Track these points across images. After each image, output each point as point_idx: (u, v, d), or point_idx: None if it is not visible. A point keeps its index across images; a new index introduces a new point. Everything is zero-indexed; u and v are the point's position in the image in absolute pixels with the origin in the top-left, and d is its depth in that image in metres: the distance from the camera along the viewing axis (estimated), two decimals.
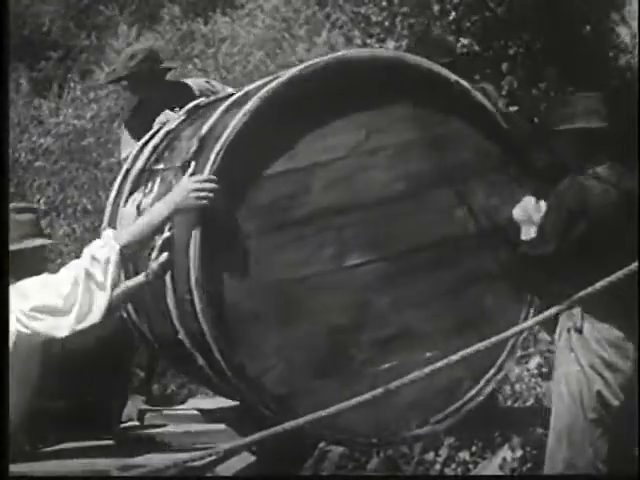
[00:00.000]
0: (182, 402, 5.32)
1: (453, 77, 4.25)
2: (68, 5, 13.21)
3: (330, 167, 4.04)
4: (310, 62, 4.05)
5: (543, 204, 4.23)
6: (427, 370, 3.94)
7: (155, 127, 4.99)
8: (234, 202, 3.92)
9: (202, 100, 4.88)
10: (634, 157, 4.52)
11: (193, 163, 3.97)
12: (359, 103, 4.07)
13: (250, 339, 3.94)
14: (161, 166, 4.48)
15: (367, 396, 3.81)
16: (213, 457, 3.86)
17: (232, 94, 4.64)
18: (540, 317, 3.84)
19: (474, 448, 5.50)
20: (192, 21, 12.37)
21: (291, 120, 3.98)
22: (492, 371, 4.29)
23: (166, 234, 3.96)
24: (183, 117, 4.76)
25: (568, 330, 4.22)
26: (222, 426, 4.26)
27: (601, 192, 4.15)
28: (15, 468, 3.74)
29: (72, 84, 11.77)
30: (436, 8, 9.06)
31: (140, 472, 3.72)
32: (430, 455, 5.70)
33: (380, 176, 4.11)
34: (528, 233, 4.19)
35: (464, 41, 8.99)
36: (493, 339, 4.01)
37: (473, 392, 4.25)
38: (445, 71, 4.26)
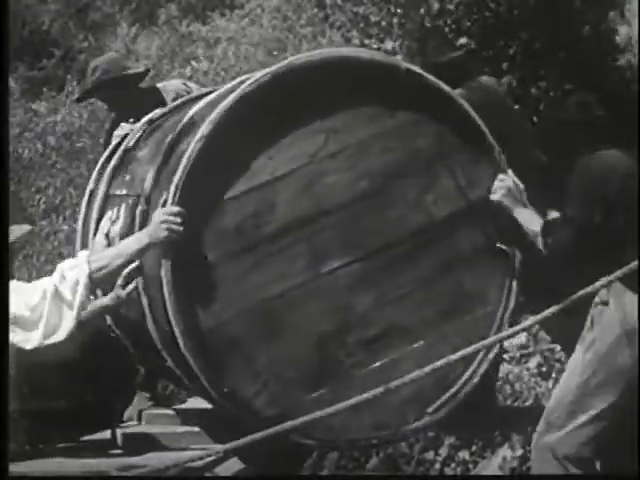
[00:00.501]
0: (183, 402, 5.32)
1: (403, 65, 4.21)
2: (67, 5, 13.21)
3: (292, 178, 4.01)
4: (257, 76, 4.00)
5: (520, 184, 4.21)
6: (427, 369, 3.95)
7: (114, 141, 4.97)
8: (200, 230, 3.90)
9: (155, 113, 4.84)
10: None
11: (165, 195, 3.91)
12: (314, 108, 4.04)
13: (237, 364, 3.93)
14: (124, 192, 4.48)
15: (367, 395, 3.82)
16: (213, 457, 3.86)
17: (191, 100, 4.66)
18: (540, 316, 3.84)
19: (474, 447, 5.50)
20: (191, 21, 12.36)
21: (247, 138, 3.95)
22: (483, 351, 4.28)
23: (134, 264, 3.96)
24: (139, 133, 4.74)
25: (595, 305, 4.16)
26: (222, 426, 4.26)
27: (624, 174, 4.11)
28: (15, 468, 3.74)
29: (72, 84, 11.77)
30: (436, 7, 9.06)
31: (140, 472, 3.72)
32: (430, 454, 5.69)
33: (342, 178, 4.07)
34: (530, 221, 4.16)
35: (463, 40, 9.00)
36: (492, 338, 4.03)
37: (467, 375, 4.23)
38: (392, 60, 4.26)
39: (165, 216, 3.81)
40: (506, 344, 6.88)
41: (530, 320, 4.03)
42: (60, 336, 3.80)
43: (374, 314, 4.11)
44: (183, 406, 4.97)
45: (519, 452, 5.43)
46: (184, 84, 5.67)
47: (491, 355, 4.27)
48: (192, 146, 3.87)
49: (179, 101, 4.95)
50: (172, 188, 3.85)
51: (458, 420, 4.51)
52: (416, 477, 5.57)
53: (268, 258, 3.97)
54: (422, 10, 9.14)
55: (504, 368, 6.75)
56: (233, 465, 3.99)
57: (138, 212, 4.08)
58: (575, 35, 9.16)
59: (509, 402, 6.37)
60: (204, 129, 3.88)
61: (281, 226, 3.99)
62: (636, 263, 3.62)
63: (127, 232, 4.20)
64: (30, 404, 4.35)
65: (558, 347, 6.54)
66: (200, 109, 4.19)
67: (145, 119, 4.84)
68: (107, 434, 4.46)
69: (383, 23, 9.26)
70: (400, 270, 4.15)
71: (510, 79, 8.84)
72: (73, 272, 3.84)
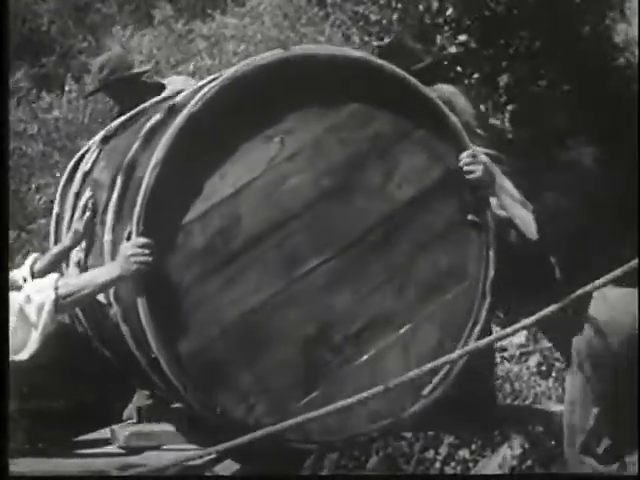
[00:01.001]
0: None
1: (346, 53, 4.19)
2: (66, 4, 13.21)
3: (253, 187, 3.99)
4: (203, 92, 3.95)
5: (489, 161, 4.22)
6: (428, 367, 3.96)
7: (76, 158, 4.95)
8: (170, 255, 3.89)
9: (109, 129, 4.82)
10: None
11: (129, 227, 3.89)
12: (265, 114, 4.02)
13: (226, 382, 3.93)
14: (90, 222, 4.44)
15: (365, 394, 3.82)
16: (212, 456, 3.87)
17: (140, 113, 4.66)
18: (539, 315, 3.84)
19: (474, 446, 5.49)
20: (190, 19, 12.35)
21: (202, 155, 3.93)
22: (469, 324, 4.28)
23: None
24: (95, 154, 4.72)
25: None
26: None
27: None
28: (15, 468, 3.74)
29: (70, 84, 11.76)
30: (435, 6, 9.06)
31: (139, 471, 3.73)
32: (430, 453, 5.69)
33: (304, 179, 4.06)
34: (513, 195, 4.18)
35: (463, 38, 9.00)
36: (492, 337, 4.03)
37: (456, 354, 4.24)
38: (338, 50, 4.21)
39: (132, 249, 3.78)
40: (505, 343, 6.89)
41: (530, 319, 4.03)
42: (23, 356, 3.80)
43: (355, 308, 4.11)
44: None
45: (519, 451, 5.43)
46: (189, 80, 5.70)
47: (477, 329, 4.26)
48: (148, 174, 3.83)
49: (130, 114, 4.87)
50: (134, 219, 3.82)
51: (458, 419, 4.51)
52: (416, 476, 5.57)
53: (242, 271, 3.96)
54: (421, 8, 9.14)
55: (504, 367, 6.75)
56: (232, 464, 4.00)
57: (105, 242, 4.06)
58: (575, 34, 9.16)
59: (509, 401, 6.36)
60: (158, 154, 3.84)
61: (250, 237, 3.97)
62: (636, 262, 3.62)
63: (98, 261, 4.19)
64: (29, 404, 4.35)
65: None
66: (151, 128, 4.15)
67: (99, 136, 4.82)
68: (106, 433, 4.47)
69: (384, 21, 9.26)
70: (374, 260, 4.15)
71: (509, 78, 8.84)
72: (39, 295, 3.82)
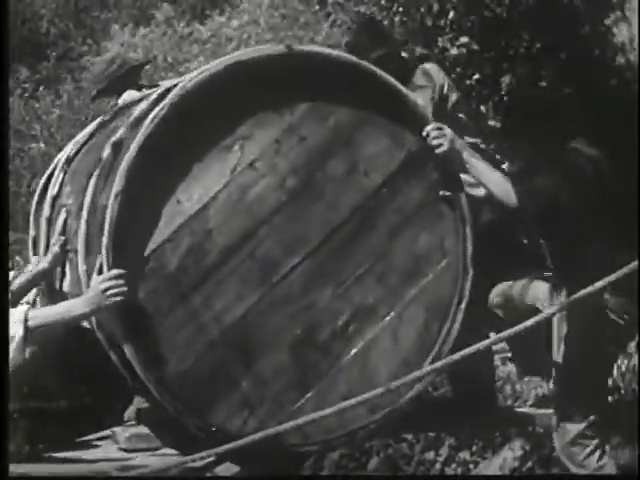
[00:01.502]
0: None
1: (295, 48, 4.14)
2: (66, 6, 13.22)
3: (219, 200, 3.96)
4: (153, 113, 3.91)
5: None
6: (428, 369, 3.95)
7: (43, 180, 4.90)
8: (145, 281, 3.87)
9: (71, 149, 4.79)
10: None
11: (99, 259, 3.84)
12: (220, 124, 3.99)
13: (219, 398, 3.92)
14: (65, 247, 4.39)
15: (367, 396, 3.82)
16: (212, 458, 3.86)
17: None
18: (539, 317, 3.83)
19: (474, 448, 5.50)
20: (189, 21, 12.35)
21: (165, 175, 3.90)
22: (455, 301, 4.27)
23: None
24: (60, 177, 4.66)
25: None
26: None
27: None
28: (15, 468, 3.74)
29: (70, 84, 11.77)
30: (436, 7, 9.07)
31: (140, 472, 3.72)
32: (431, 455, 5.70)
33: (268, 183, 4.03)
34: (481, 166, 4.21)
35: (464, 40, 9.00)
36: (493, 339, 4.02)
37: (445, 329, 4.24)
38: (276, 49, 4.14)
39: (105, 284, 3.74)
40: (506, 344, 6.88)
41: (530, 320, 4.03)
42: None
43: (338, 303, 4.10)
44: None
45: (519, 452, 5.44)
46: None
47: (462, 305, 4.25)
48: (111, 204, 3.80)
49: (88, 130, 4.85)
50: (103, 252, 3.79)
51: (459, 420, 4.51)
52: (417, 477, 5.57)
53: (220, 286, 3.94)
54: (423, 9, 9.14)
55: (505, 368, 6.74)
56: (233, 466, 3.99)
57: (81, 272, 4.00)
58: (575, 35, 9.16)
59: (510, 402, 6.36)
60: (118, 184, 3.80)
61: (222, 250, 3.95)
62: (636, 263, 3.61)
63: (75, 289, 4.17)
64: (30, 404, 4.35)
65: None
66: (109, 154, 4.10)
67: (63, 157, 4.78)
68: (107, 434, 4.46)
69: (385, 22, 9.26)
70: (350, 251, 4.13)
71: (510, 79, 8.84)
72: (11, 328, 3.77)
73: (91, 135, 4.74)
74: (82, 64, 12.30)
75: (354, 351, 4.11)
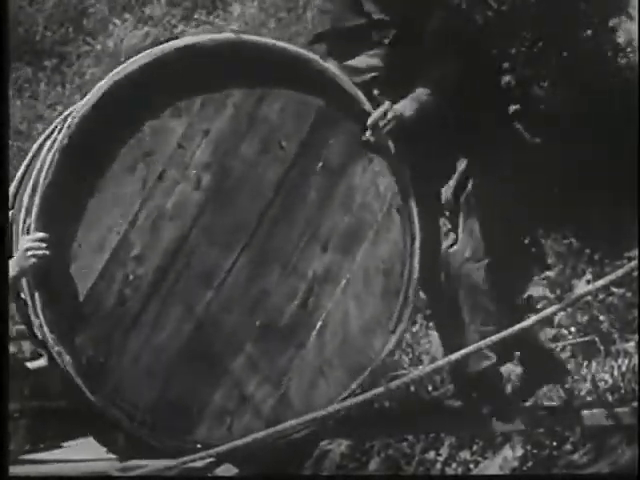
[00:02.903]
0: None
1: (222, 37, 4.10)
2: (65, 7, 13.22)
3: (139, 222, 3.94)
4: (52, 152, 3.87)
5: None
6: (428, 369, 3.95)
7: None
8: (89, 326, 3.86)
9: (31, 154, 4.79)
10: None
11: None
12: (119, 144, 3.95)
13: (196, 417, 3.93)
14: None
15: (367, 395, 3.83)
16: (213, 458, 3.86)
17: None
18: (539, 316, 3.84)
19: (475, 447, 5.50)
20: (179, 21, 12.35)
21: (74, 213, 3.89)
22: (407, 242, 4.21)
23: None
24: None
25: None
26: None
27: None
28: (15, 469, 3.74)
29: (67, 86, 11.77)
30: None
31: (140, 472, 3.72)
32: (431, 454, 5.70)
33: (183, 189, 3.99)
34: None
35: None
36: (492, 338, 4.02)
37: (406, 273, 4.19)
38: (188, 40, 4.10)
39: (27, 244, 3.74)
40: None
41: (531, 320, 4.03)
42: None
43: (289, 283, 4.06)
44: None
45: (520, 452, 5.43)
46: None
47: (417, 243, 4.19)
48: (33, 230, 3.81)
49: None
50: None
51: (459, 420, 4.51)
52: (417, 477, 5.58)
53: (165, 304, 3.93)
54: None
55: (506, 367, 6.74)
56: (233, 466, 3.99)
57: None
58: (577, 35, 9.15)
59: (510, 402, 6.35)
60: (33, 221, 3.81)
61: (157, 269, 3.92)
62: (636, 263, 3.62)
63: None
64: (30, 404, 4.35)
65: (559, 347, 6.54)
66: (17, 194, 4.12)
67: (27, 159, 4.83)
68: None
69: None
70: (287, 228, 4.08)
71: (511, 79, 8.82)
72: None
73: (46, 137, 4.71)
74: (77, 65, 12.30)
75: (318, 324, 4.06)
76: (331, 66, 4.19)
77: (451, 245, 4.34)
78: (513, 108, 8.89)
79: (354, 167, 4.17)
